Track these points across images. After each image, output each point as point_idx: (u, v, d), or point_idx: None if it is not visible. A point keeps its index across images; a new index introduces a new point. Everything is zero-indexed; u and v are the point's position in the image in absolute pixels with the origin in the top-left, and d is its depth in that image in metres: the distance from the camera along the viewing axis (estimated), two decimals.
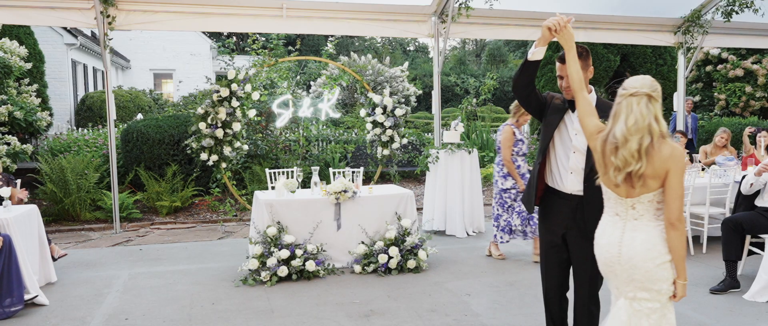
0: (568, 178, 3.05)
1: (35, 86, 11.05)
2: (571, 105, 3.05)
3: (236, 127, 7.54)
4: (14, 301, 4.45)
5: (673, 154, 2.34)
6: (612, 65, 15.54)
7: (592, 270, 3.09)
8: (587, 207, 3.00)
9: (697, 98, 15.39)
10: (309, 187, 6.07)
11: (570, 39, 2.74)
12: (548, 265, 3.24)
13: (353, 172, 6.56)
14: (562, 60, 2.95)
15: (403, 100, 16.43)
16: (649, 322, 2.43)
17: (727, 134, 7.74)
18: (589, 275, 3.11)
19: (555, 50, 13.03)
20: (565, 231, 3.10)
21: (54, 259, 5.66)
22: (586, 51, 2.99)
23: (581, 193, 3.02)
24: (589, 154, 2.98)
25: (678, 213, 2.35)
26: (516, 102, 6.05)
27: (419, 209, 7.90)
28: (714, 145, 7.79)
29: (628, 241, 2.43)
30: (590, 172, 2.98)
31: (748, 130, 8.48)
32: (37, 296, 4.65)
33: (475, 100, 8.72)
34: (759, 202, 5.10)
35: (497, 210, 6.02)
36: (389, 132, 8.04)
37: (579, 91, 2.70)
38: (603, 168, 2.50)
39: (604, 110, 3.01)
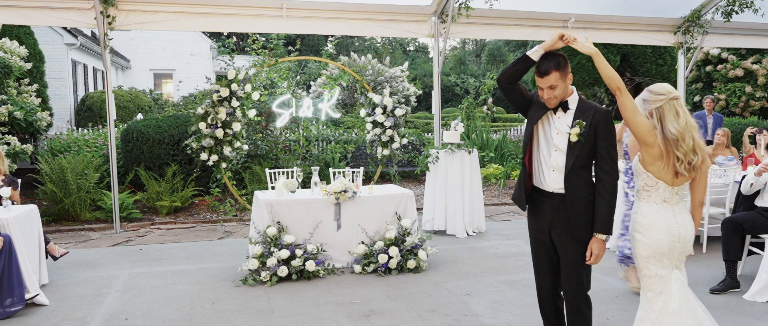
0: (550, 175, 3.06)
1: (35, 86, 11.05)
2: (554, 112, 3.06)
3: (236, 127, 7.54)
4: (15, 301, 4.45)
5: (705, 147, 2.94)
6: (612, 65, 15.56)
7: (579, 269, 3.09)
8: (570, 206, 3.01)
9: (697, 98, 15.38)
10: (309, 187, 6.07)
11: (590, 48, 2.91)
12: (539, 263, 3.27)
13: (353, 172, 6.56)
14: (541, 73, 2.96)
15: (403, 100, 16.44)
16: (684, 272, 3.04)
17: (723, 132, 7.74)
18: (576, 273, 3.09)
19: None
20: (550, 228, 3.12)
21: (55, 258, 5.66)
22: (565, 59, 2.98)
23: (563, 191, 3.03)
24: (569, 153, 2.98)
25: (705, 193, 3.03)
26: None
27: (419, 209, 7.90)
28: (715, 144, 7.79)
29: (682, 222, 2.93)
30: (571, 171, 2.98)
31: (748, 131, 8.46)
32: (37, 295, 4.65)
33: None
34: (759, 202, 5.10)
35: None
36: (389, 132, 8.04)
37: (624, 90, 2.87)
38: (661, 161, 2.86)
39: (584, 111, 3.00)
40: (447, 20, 8.39)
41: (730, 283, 4.88)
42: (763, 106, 14.77)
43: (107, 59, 7.58)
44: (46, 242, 5.57)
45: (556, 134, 3.04)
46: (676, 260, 2.98)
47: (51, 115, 11.97)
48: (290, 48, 10.17)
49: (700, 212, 3.02)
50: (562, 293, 3.27)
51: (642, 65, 16.03)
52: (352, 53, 18.18)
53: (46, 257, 5.48)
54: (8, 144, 8.91)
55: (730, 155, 7.56)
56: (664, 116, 2.83)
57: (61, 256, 5.70)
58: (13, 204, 5.42)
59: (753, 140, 8.24)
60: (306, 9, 8.15)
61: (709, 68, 15.33)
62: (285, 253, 5.24)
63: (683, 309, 2.90)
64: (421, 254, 5.60)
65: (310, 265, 5.30)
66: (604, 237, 3.00)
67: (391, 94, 10.43)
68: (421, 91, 18.47)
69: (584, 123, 2.95)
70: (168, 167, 9.04)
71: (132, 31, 20.54)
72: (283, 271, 5.21)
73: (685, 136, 2.81)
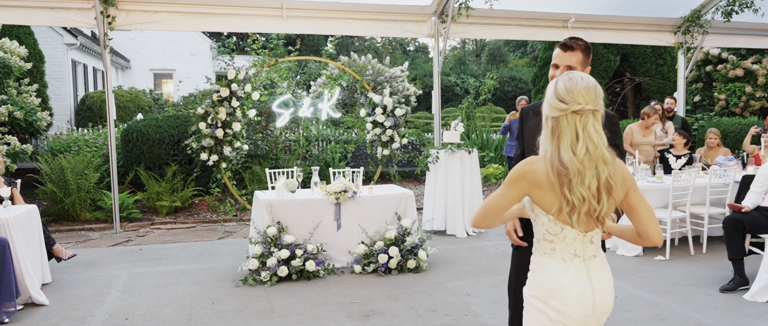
0: None
1: (35, 86, 11.04)
2: None
3: (236, 127, 7.54)
4: (14, 304, 4.43)
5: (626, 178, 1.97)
6: (612, 65, 15.53)
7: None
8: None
9: (697, 98, 15.37)
10: (309, 187, 6.07)
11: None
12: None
13: (353, 172, 6.56)
14: (565, 47, 2.56)
15: (403, 100, 16.43)
16: None
17: (714, 134, 7.74)
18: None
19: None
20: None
21: (58, 260, 5.64)
22: (590, 49, 2.65)
23: None
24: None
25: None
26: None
27: (419, 209, 7.90)
28: (707, 146, 7.79)
29: (599, 287, 1.97)
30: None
31: (753, 130, 8.45)
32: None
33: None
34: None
35: None
36: (389, 132, 8.04)
37: None
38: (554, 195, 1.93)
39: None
40: (447, 20, 8.39)
41: (740, 281, 4.89)
42: (763, 106, 14.75)
43: (107, 59, 7.58)
44: (53, 243, 5.55)
45: None
46: None
47: (51, 115, 11.97)
48: (290, 48, 10.16)
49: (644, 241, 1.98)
50: None
51: (642, 65, 16.01)
52: (352, 53, 18.17)
53: (50, 258, 5.47)
54: (8, 144, 8.90)
55: (730, 155, 7.56)
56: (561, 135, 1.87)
57: (68, 258, 5.67)
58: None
59: (757, 140, 8.22)
60: (306, 9, 8.15)
61: (709, 68, 15.31)
62: (285, 253, 5.24)
63: None
64: (421, 254, 5.60)
65: (310, 265, 5.30)
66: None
67: (391, 94, 10.43)
68: (421, 91, 18.46)
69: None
70: (168, 167, 9.04)
71: (132, 31, 20.55)
72: (283, 271, 5.21)
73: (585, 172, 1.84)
